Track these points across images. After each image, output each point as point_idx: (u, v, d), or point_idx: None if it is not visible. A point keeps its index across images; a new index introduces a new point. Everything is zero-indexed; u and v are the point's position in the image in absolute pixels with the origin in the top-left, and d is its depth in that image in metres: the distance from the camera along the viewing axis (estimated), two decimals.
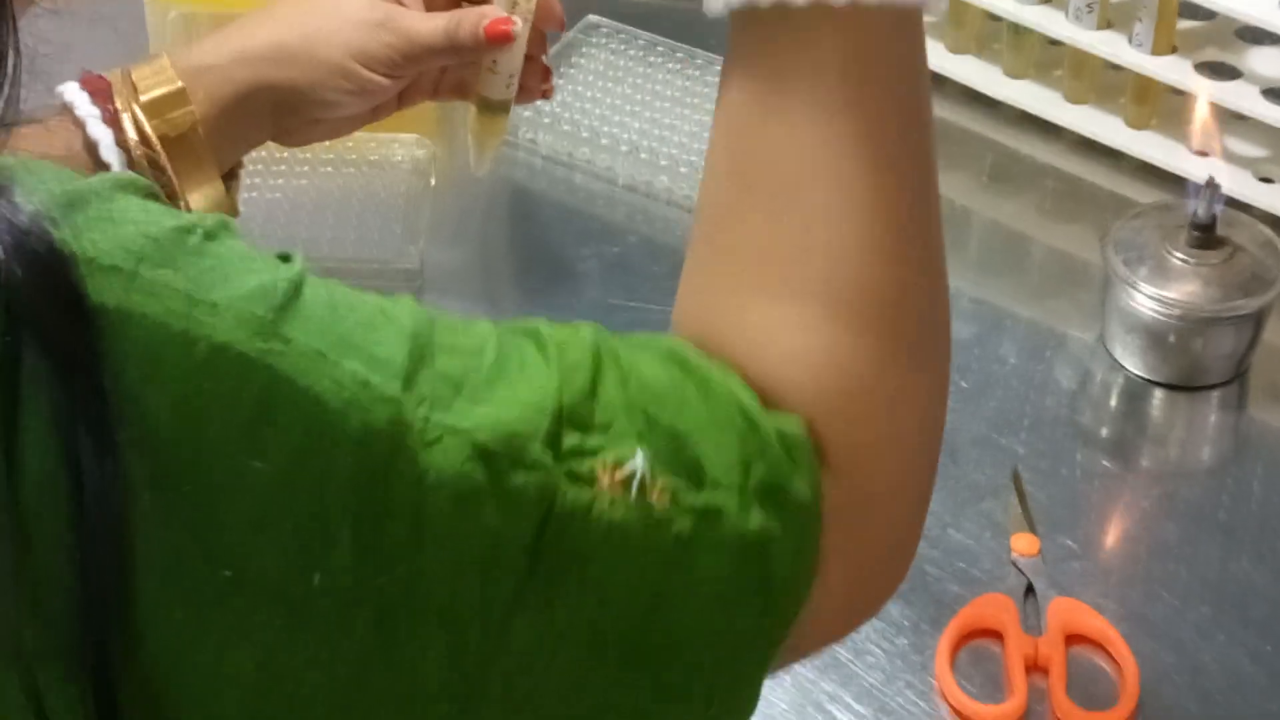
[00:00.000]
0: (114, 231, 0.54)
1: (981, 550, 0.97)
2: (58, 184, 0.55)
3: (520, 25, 0.99)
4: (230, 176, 1.01)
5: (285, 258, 0.58)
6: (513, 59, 1.01)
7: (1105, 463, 1.03)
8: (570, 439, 0.57)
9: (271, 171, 1.12)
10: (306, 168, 1.13)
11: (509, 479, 0.55)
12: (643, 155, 1.16)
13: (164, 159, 0.97)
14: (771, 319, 0.61)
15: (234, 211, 1.01)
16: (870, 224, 0.62)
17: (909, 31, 0.65)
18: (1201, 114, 1.06)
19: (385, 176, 1.14)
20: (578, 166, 1.18)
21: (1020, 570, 0.95)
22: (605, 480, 0.57)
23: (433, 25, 1.00)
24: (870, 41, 0.63)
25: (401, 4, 1.00)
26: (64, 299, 0.52)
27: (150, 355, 0.53)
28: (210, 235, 0.57)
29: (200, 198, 0.98)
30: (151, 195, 0.58)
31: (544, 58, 1.05)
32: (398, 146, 1.15)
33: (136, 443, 0.52)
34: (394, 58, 0.99)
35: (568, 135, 1.18)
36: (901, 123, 0.63)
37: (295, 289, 0.56)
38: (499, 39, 0.99)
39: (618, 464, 0.57)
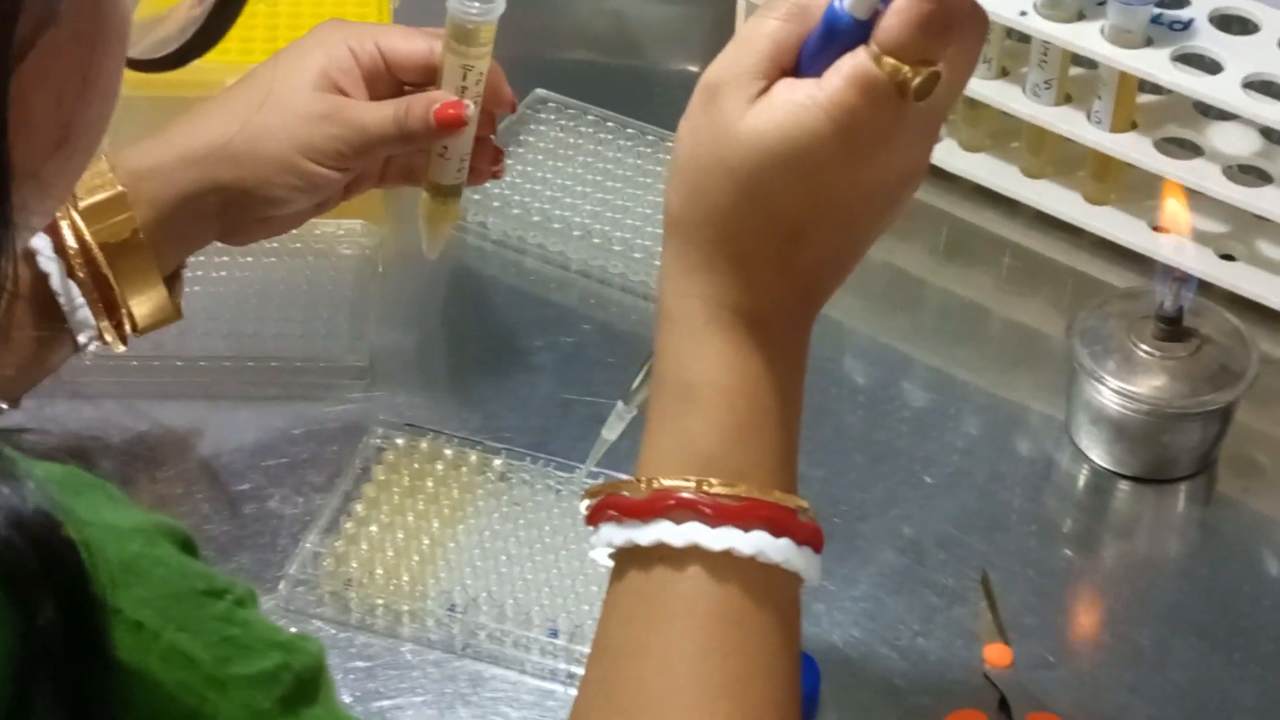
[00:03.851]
0: (145, 584, 0.55)
1: (953, 659, 0.95)
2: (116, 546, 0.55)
3: (472, 108, 0.97)
4: (173, 278, 0.98)
5: (305, 639, 0.61)
6: (463, 143, 0.98)
7: (1073, 560, 1.01)
8: None
9: (214, 264, 1.09)
10: (251, 259, 1.09)
11: None
12: (595, 240, 1.13)
13: (104, 266, 0.93)
14: None
15: (177, 315, 0.97)
16: None
17: (784, 585, 0.68)
18: (1171, 209, 1.04)
19: (332, 265, 1.11)
20: (529, 251, 1.15)
21: (993, 683, 0.93)
22: None
23: (381, 114, 0.96)
24: (744, 589, 0.67)
25: (345, 94, 0.97)
26: (85, 643, 0.52)
27: None
28: (241, 602, 0.59)
29: (142, 304, 0.95)
30: (187, 546, 0.59)
31: (493, 138, 1.02)
32: (344, 234, 1.12)
33: None
34: (342, 150, 0.96)
35: (517, 219, 1.15)
36: (769, 669, 0.67)
37: (299, 684, 0.58)
38: (451, 124, 0.96)
39: None
